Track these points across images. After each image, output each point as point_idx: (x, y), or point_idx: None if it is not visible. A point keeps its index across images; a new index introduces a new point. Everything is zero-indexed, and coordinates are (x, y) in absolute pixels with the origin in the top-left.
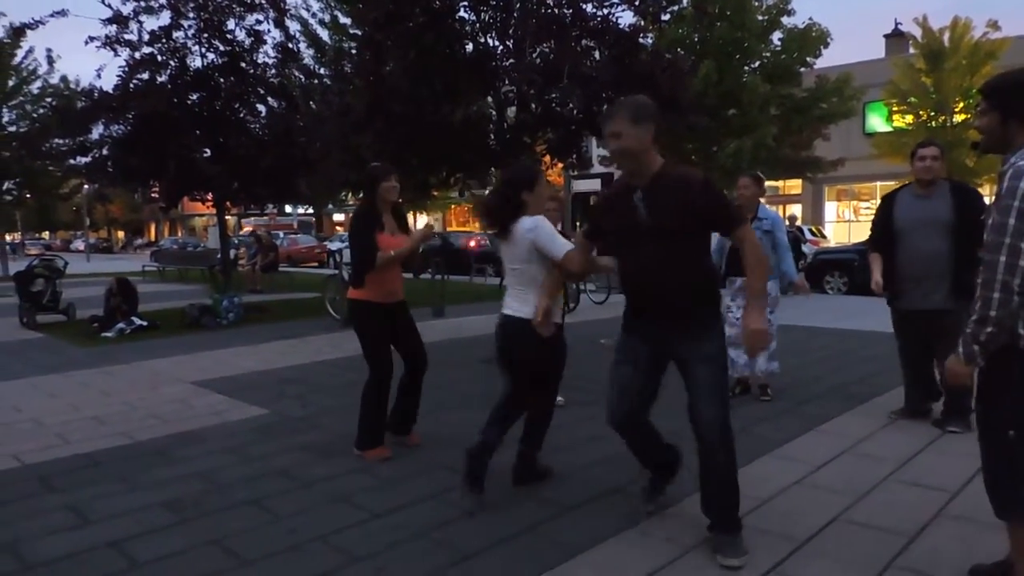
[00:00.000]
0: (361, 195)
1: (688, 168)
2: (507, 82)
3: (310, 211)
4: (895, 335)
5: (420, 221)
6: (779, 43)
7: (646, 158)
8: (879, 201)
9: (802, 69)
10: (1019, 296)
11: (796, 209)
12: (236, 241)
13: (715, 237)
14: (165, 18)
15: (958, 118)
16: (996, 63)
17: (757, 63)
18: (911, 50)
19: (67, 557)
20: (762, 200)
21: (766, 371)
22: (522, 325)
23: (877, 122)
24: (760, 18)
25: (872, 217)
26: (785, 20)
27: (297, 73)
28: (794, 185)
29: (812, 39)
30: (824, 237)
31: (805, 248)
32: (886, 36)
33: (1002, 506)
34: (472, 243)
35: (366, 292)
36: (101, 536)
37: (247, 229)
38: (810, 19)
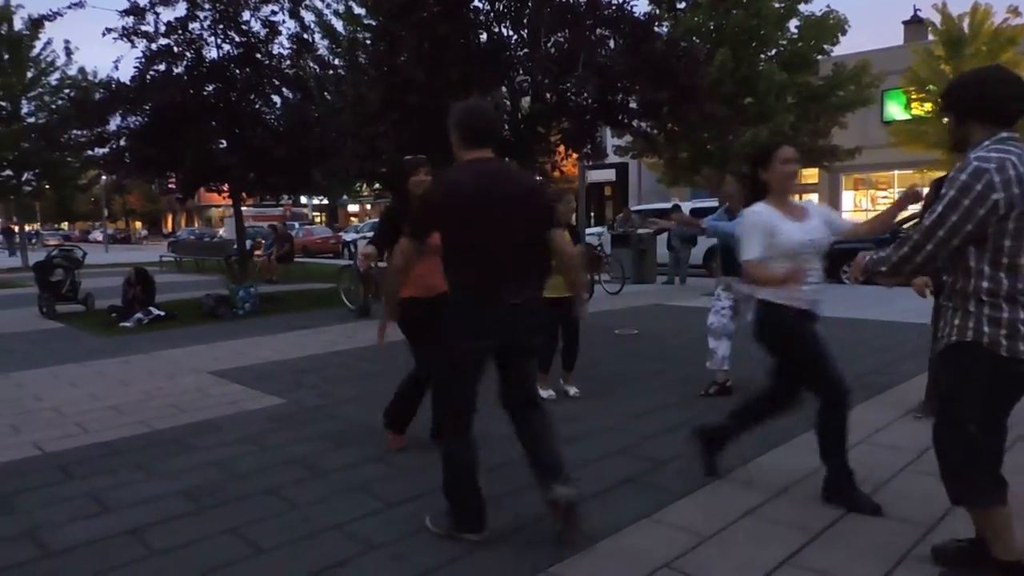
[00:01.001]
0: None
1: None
2: (522, 72)
3: (325, 201)
4: (934, 336)
5: None
6: (796, 31)
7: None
8: (929, 187)
9: (819, 57)
10: (923, 261)
11: (813, 198)
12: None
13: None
14: (181, 9)
15: None
16: (1017, 49)
17: (774, 51)
18: (930, 37)
19: (86, 544)
20: None
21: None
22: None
23: (895, 110)
24: (777, 5)
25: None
26: (802, 7)
27: (312, 64)
28: (811, 174)
29: (829, 26)
30: None
31: None
32: (904, 23)
33: (960, 495)
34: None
35: (405, 288)
36: (120, 524)
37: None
38: (827, 6)
